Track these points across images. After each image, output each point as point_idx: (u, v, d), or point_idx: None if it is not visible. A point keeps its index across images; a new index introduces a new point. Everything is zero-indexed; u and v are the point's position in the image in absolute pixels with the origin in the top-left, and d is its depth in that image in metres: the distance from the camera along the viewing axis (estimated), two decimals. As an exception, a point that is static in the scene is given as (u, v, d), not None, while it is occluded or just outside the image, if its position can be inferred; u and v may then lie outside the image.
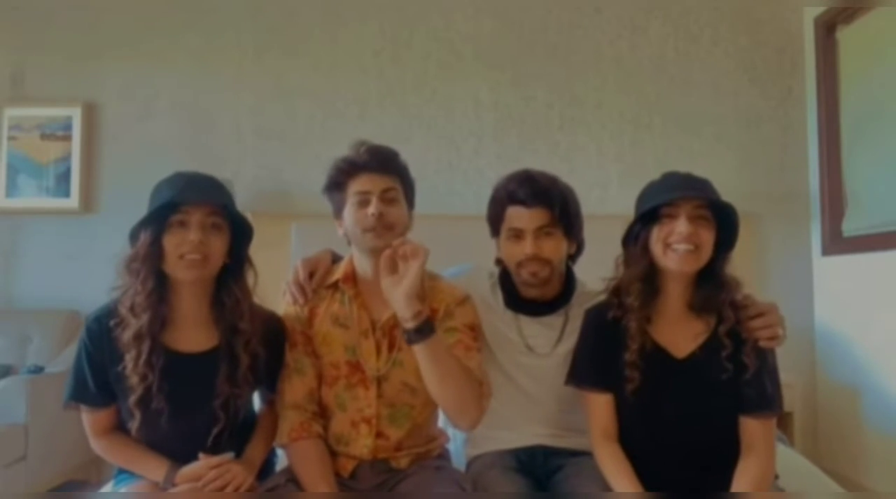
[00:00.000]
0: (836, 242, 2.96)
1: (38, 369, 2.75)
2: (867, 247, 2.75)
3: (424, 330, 1.38)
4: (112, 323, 1.41)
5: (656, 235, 1.41)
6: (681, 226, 1.37)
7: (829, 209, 2.99)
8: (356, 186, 1.49)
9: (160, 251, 1.37)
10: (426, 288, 1.54)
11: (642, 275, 1.42)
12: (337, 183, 1.52)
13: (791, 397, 2.77)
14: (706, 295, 1.43)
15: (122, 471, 1.55)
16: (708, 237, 1.40)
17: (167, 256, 1.38)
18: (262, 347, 1.47)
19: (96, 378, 1.43)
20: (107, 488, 1.64)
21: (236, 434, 1.53)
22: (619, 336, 1.44)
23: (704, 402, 1.42)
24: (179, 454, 1.43)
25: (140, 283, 1.37)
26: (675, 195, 1.39)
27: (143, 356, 1.37)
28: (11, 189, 3.22)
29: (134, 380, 1.38)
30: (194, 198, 1.38)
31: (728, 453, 1.42)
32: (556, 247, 1.58)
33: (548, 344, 1.64)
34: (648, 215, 1.42)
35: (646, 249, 1.42)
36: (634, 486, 1.38)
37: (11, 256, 3.21)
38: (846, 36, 2.93)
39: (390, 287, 1.38)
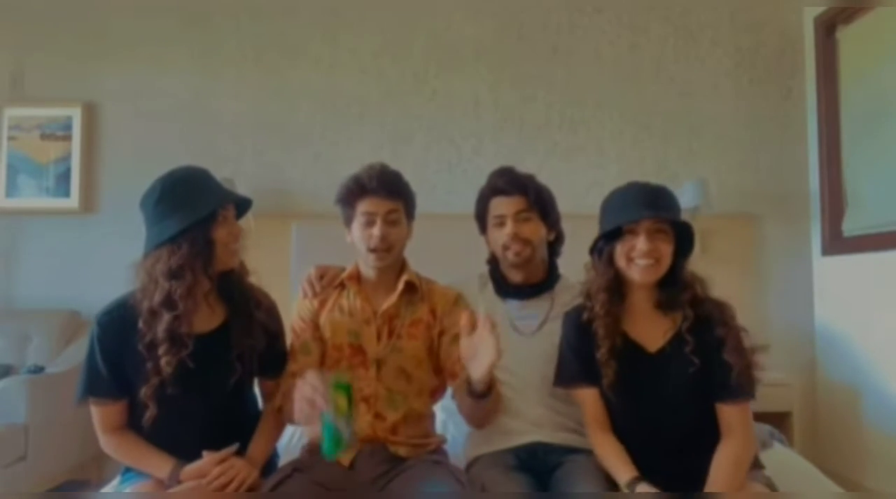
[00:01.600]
0: (836, 242, 2.96)
1: (38, 369, 2.75)
2: (867, 247, 2.75)
3: (488, 394, 1.48)
4: (127, 316, 1.48)
5: (619, 250, 1.53)
6: (641, 243, 1.50)
7: (829, 209, 2.99)
8: (363, 206, 1.67)
9: (213, 247, 1.48)
10: (424, 290, 1.74)
11: (607, 285, 1.55)
12: (347, 200, 1.70)
13: (791, 397, 2.78)
14: (669, 295, 1.56)
15: (128, 469, 1.59)
16: (666, 249, 1.52)
17: (218, 248, 1.50)
18: (264, 312, 1.60)
19: (111, 370, 1.49)
20: (112, 484, 1.68)
21: (242, 429, 1.59)
22: (593, 336, 1.56)
23: (676, 392, 1.52)
24: (193, 431, 1.50)
25: (194, 280, 1.46)
26: (634, 217, 1.51)
27: (188, 349, 1.46)
28: (11, 189, 3.22)
29: (168, 371, 1.44)
30: (233, 197, 1.55)
31: (707, 439, 1.50)
32: (534, 229, 1.75)
33: (533, 323, 1.76)
34: (612, 230, 1.55)
35: (610, 261, 1.55)
36: (629, 467, 1.48)
37: (11, 256, 3.21)
38: (846, 36, 2.93)
39: (470, 359, 1.42)
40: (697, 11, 3.23)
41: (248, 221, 1.64)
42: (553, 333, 1.69)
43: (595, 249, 1.59)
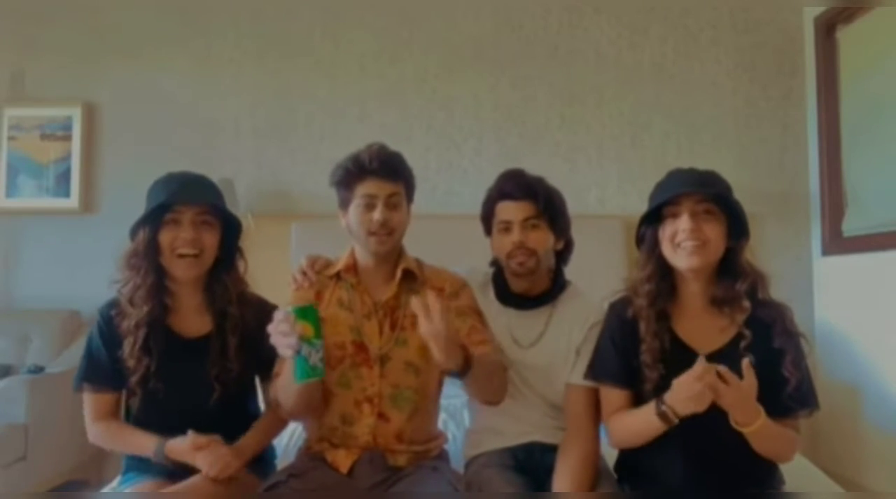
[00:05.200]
0: (836, 242, 2.95)
1: (38, 369, 2.75)
2: (867, 247, 2.75)
3: (466, 370, 1.41)
4: (113, 312, 1.54)
5: (663, 235, 1.43)
6: (683, 223, 1.38)
7: (829, 209, 2.99)
8: (363, 188, 1.57)
9: (157, 247, 1.51)
10: (427, 274, 1.67)
11: (651, 275, 1.45)
12: (345, 182, 1.59)
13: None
14: (726, 288, 1.43)
15: (128, 469, 1.61)
16: (714, 231, 1.40)
17: (163, 252, 1.52)
18: (254, 329, 1.55)
19: (109, 360, 1.54)
20: (113, 484, 1.68)
21: (235, 428, 1.58)
22: (638, 333, 1.45)
23: None
24: (178, 431, 1.50)
25: (140, 277, 1.51)
26: (671, 194, 1.40)
27: (139, 343, 1.51)
28: (11, 189, 3.22)
29: (131, 363, 1.51)
30: (186, 199, 1.52)
31: (751, 452, 1.39)
32: (541, 238, 1.65)
33: (531, 336, 1.69)
34: (655, 216, 1.44)
35: (654, 249, 1.45)
36: (648, 407, 1.37)
37: (11, 256, 3.21)
38: (846, 36, 2.92)
39: (428, 337, 1.36)
40: (697, 11, 3.22)
41: (247, 221, 1.65)
42: (552, 344, 1.66)
43: (638, 239, 1.51)
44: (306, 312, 1.34)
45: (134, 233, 1.53)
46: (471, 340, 1.56)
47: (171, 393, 1.52)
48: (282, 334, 1.32)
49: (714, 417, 1.34)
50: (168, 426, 1.53)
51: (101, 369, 1.55)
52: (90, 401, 1.58)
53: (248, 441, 1.57)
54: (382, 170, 1.56)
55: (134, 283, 1.51)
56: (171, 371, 1.53)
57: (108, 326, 1.55)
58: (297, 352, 1.32)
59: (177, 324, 1.58)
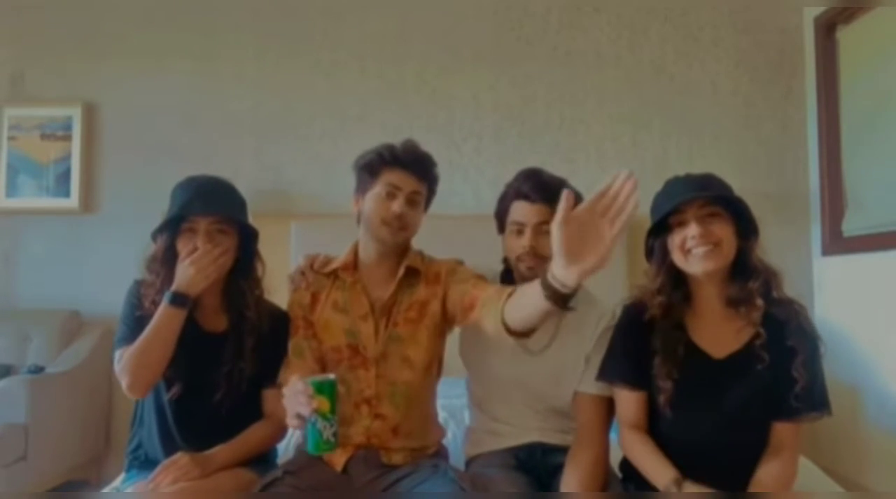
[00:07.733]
0: (836, 242, 2.95)
1: (38, 369, 2.74)
2: (867, 247, 2.75)
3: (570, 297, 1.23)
4: (138, 314, 1.55)
5: (672, 245, 1.41)
6: (692, 230, 1.37)
7: (829, 209, 2.99)
8: (390, 177, 1.56)
9: (175, 255, 1.54)
10: (426, 265, 1.65)
11: (662, 287, 1.43)
12: (371, 167, 1.58)
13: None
14: (739, 287, 1.41)
15: (131, 467, 1.63)
16: (724, 231, 1.38)
17: (182, 259, 1.53)
18: (268, 335, 1.59)
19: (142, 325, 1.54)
20: (115, 483, 1.68)
21: (239, 426, 1.60)
22: (651, 341, 1.43)
23: (743, 404, 1.37)
24: (185, 420, 1.56)
25: (160, 281, 1.55)
26: (673, 203, 1.39)
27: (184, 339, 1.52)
28: (11, 189, 3.22)
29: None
30: (198, 211, 1.53)
31: (756, 456, 1.38)
32: None
33: (540, 342, 1.63)
34: (661, 227, 1.42)
35: (664, 260, 1.43)
36: (669, 467, 1.36)
37: (11, 256, 3.21)
38: (846, 36, 2.93)
39: (570, 254, 1.12)
40: (697, 11, 3.23)
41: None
42: (561, 350, 1.62)
43: (647, 252, 1.48)
44: (323, 387, 1.31)
45: (154, 238, 1.57)
46: (462, 305, 1.52)
47: (183, 382, 1.55)
48: (298, 404, 1.29)
49: (719, 422, 1.35)
50: (176, 414, 1.57)
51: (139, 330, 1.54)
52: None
53: (221, 451, 1.54)
54: (413, 165, 1.58)
55: (155, 287, 1.55)
56: (185, 359, 1.54)
57: (139, 300, 1.58)
58: (313, 424, 1.30)
59: (198, 318, 1.61)
